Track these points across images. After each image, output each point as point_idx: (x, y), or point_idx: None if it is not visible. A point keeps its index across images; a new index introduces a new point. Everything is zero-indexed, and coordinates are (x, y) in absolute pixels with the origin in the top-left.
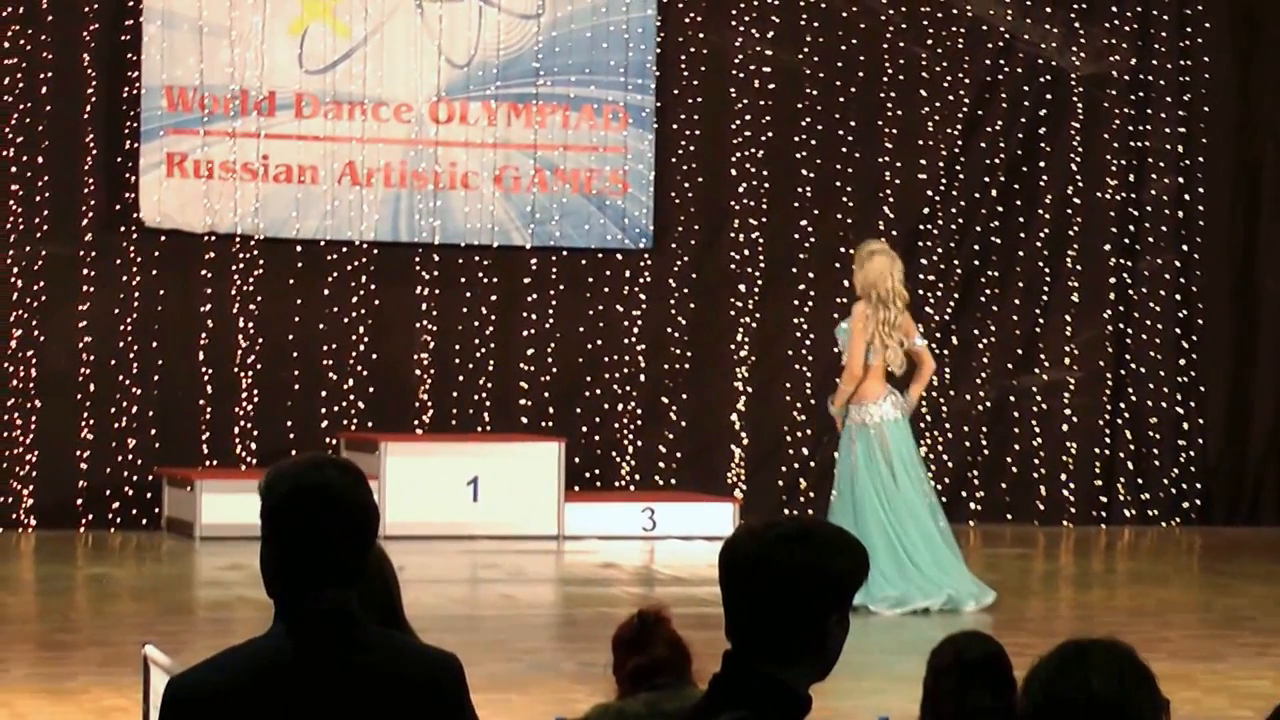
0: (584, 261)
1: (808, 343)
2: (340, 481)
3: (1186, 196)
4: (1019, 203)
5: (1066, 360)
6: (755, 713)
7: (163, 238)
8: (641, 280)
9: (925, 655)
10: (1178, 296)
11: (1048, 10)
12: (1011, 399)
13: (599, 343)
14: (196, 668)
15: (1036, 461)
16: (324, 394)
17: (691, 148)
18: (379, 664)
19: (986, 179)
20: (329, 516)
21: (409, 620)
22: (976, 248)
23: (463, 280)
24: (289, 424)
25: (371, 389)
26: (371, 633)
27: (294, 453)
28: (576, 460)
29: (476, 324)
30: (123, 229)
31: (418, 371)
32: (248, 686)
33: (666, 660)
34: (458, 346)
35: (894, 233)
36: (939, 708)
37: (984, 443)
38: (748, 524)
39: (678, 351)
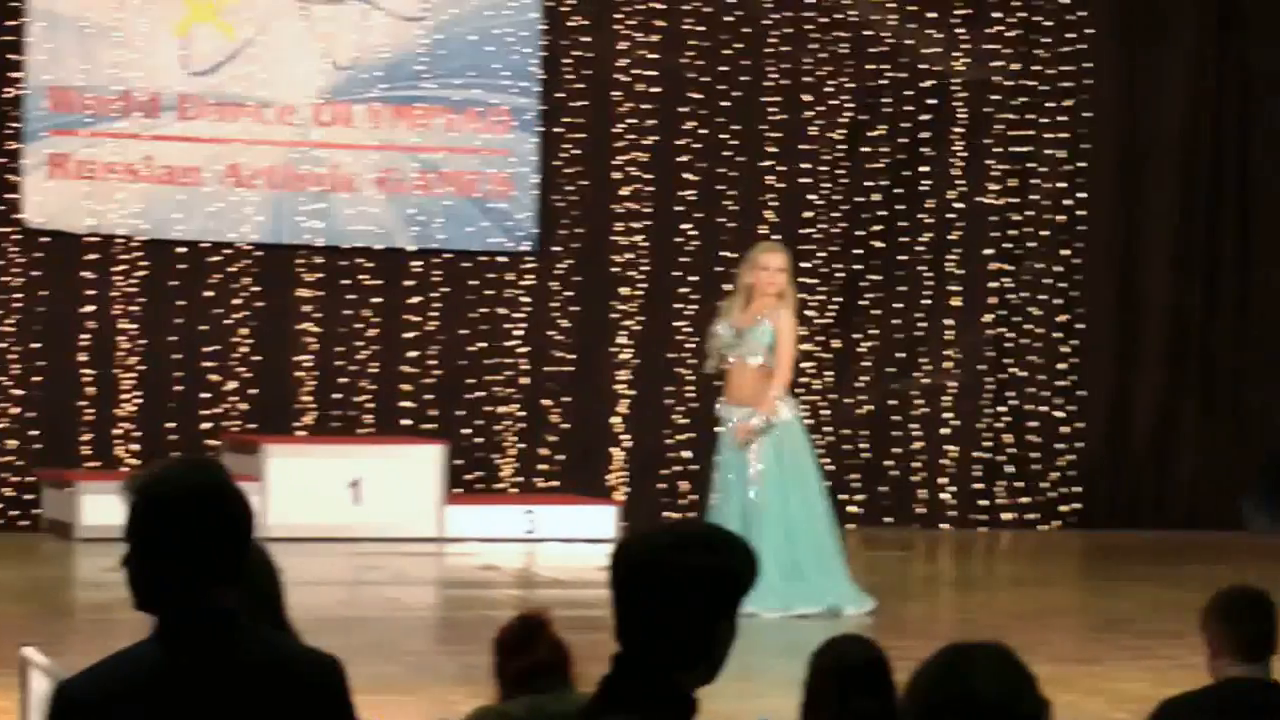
0: (467, 264)
1: (690, 346)
2: (224, 480)
3: (1067, 201)
4: (901, 208)
5: (948, 364)
6: (644, 715)
7: (45, 238)
8: (524, 283)
9: (805, 658)
10: (1059, 301)
11: (930, 16)
12: (893, 402)
13: (481, 345)
14: (86, 672)
15: (917, 464)
16: (206, 395)
17: (575, 151)
18: (262, 666)
19: (869, 184)
20: (219, 515)
21: (291, 622)
22: (859, 252)
23: (345, 282)
24: (170, 425)
25: (253, 390)
26: (255, 634)
27: (174, 454)
28: (458, 462)
29: (359, 326)
30: (4, 229)
31: (300, 373)
32: (136, 690)
33: (548, 663)
34: (340, 348)
35: (776, 237)
36: (819, 712)
37: (864, 446)
38: (640, 528)
39: (560, 354)
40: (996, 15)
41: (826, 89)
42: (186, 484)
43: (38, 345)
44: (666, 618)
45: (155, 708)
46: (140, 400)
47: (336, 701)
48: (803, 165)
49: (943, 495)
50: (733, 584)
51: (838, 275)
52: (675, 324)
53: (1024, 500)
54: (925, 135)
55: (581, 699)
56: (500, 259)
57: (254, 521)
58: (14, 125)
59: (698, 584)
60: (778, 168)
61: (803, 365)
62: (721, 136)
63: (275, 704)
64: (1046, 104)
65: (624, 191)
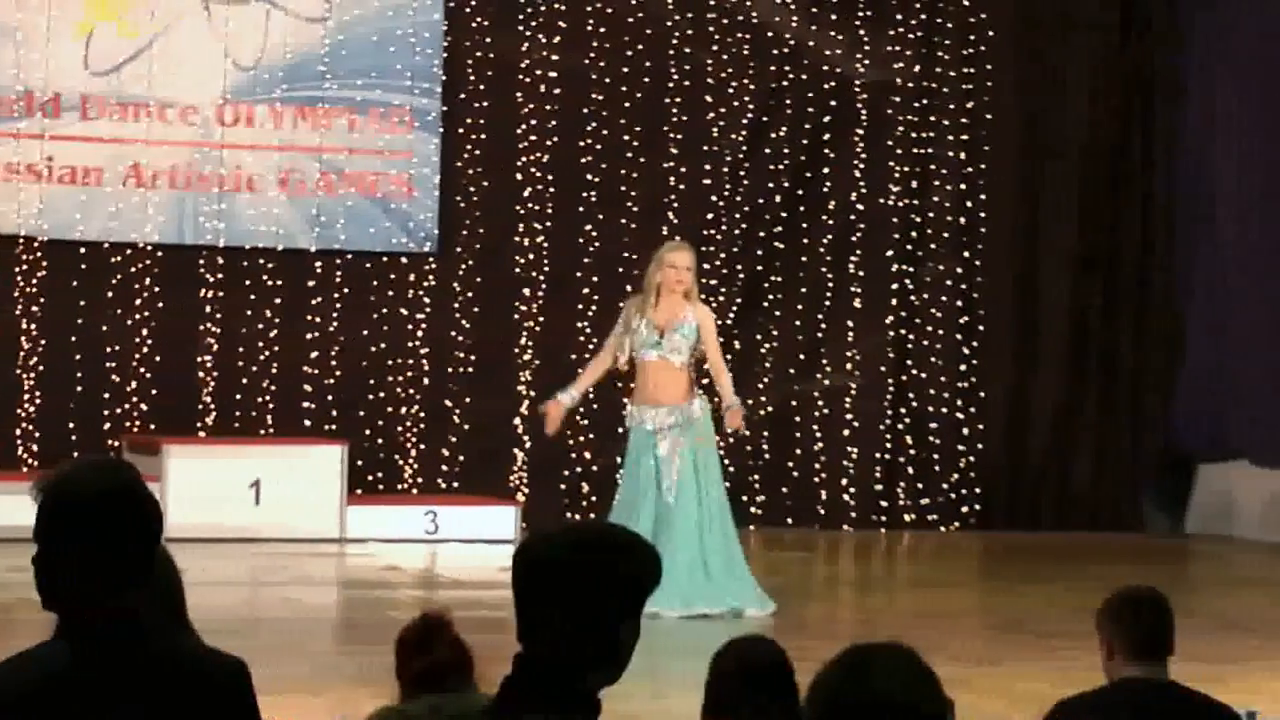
0: (369, 265)
1: (591, 347)
2: (134, 481)
3: (969, 203)
4: (803, 209)
5: (849, 365)
6: (547, 716)
7: None
8: (426, 284)
9: (707, 658)
10: (959, 302)
11: (833, 18)
12: (794, 404)
13: (383, 346)
14: None
15: (818, 466)
16: (107, 396)
17: (477, 152)
18: (168, 667)
19: (771, 185)
20: (128, 516)
21: (192, 623)
22: (760, 253)
23: (247, 283)
24: (71, 426)
25: (154, 391)
26: (160, 636)
27: (75, 454)
28: (359, 463)
29: (260, 326)
30: None
31: (201, 374)
32: (43, 690)
33: (449, 663)
34: (241, 349)
35: (677, 238)
36: (721, 712)
37: (765, 447)
38: (543, 528)
39: (462, 355)
40: (898, 17)
41: (728, 90)
42: (96, 485)
43: None
44: (568, 619)
45: (61, 708)
46: (41, 401)
47: (242, 703)
48: (705, 166)
49: (844, 496)
50: (634, 586)
51: (739, 276)
52: (578, 325)
53: (925, 501)
54: (826, 136)
55: (483, 700)
56: (402, 260)
57: (163, 524)
58: None
59: (599, 586)
60: (680, 168)
61: (705, 365)
62: (624, 137)
63: (181, 706)
64: (948, 106)
65: (526, 192)
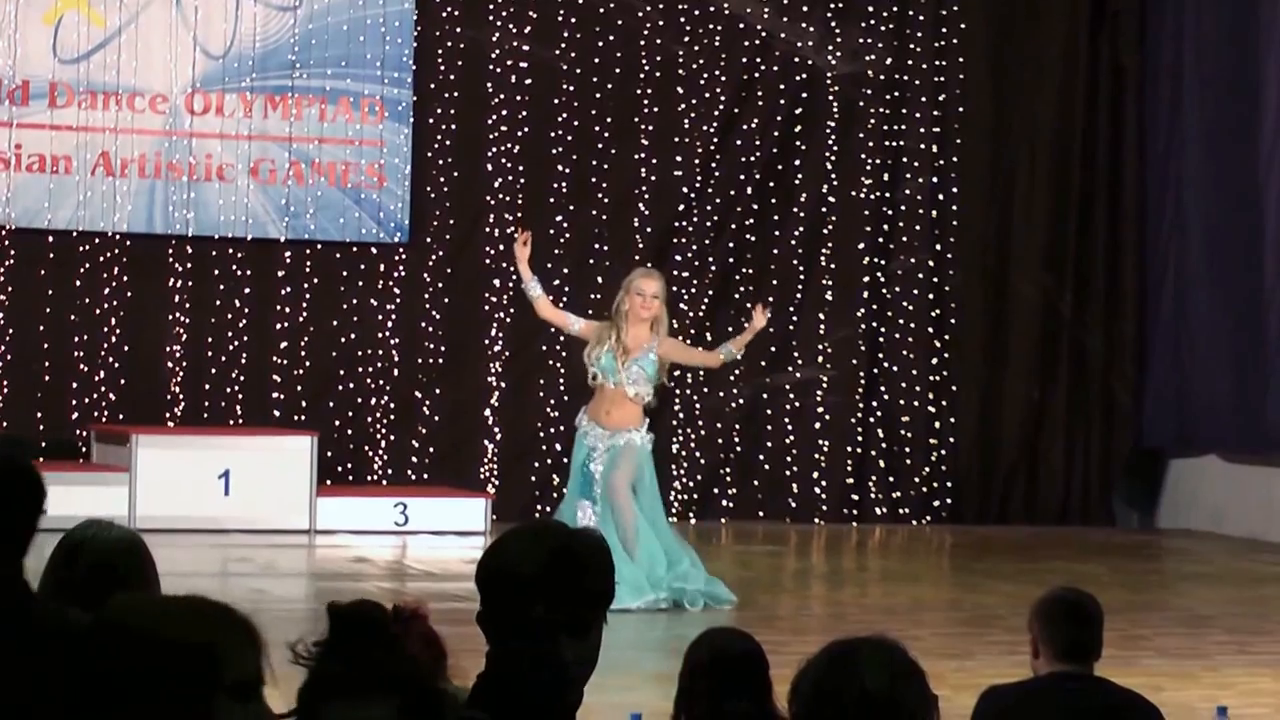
0: (339, 255)
1: (562, 339)
2: (11, 459)
3: (940, 196)
4: (774, 201)
5: (820, 359)
6: (519, 714)
7: None
8: (396, 274)
9: (671, 651)
10: (930, 296)
11: (805, 10)
12: (765, 396)
13: (353, 336)
14: None
15: (789, 459)
16: (75, 385)
17: (448, 142)
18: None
19: (742, 177)
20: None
21: None
22: (731, 245)
23: (216, 272)
24: (39, 415)
25: (123, 381)
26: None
27: (44, 444)
28: (329, 454)
29: (230, 316)
30: None
31: (170, 364)
32: None
33: (420, 656)
34: (211, 339)
35: (649, 229)
36: (694, 704)
37: (737, 440)
38: (504, 536)
39: (432, 346)
40: (869, 9)
41: (700, 81)
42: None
43: None
44: (530, 631)
45: None
46: (9, 390)
47: None
48: (675, 158)
49: (815, 490)
50: (595, 599)
51: (710, 268)
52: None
53: (895, 495)
54: (798, 129)
55: (454, 692)
56: (372, 250)
57: (41, 503)
58: None
59: (560, 600)
60: (650, 160)
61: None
62: (594, 129)
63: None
64: (919, 98)
65: (496, 183)
